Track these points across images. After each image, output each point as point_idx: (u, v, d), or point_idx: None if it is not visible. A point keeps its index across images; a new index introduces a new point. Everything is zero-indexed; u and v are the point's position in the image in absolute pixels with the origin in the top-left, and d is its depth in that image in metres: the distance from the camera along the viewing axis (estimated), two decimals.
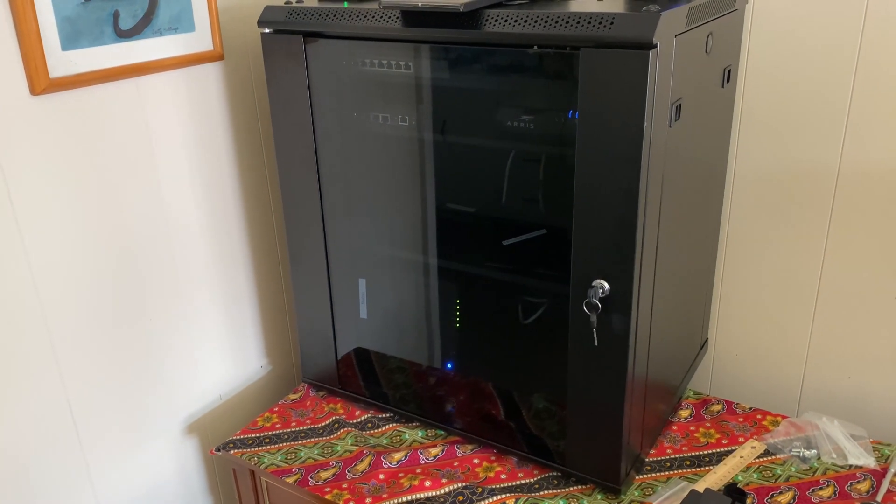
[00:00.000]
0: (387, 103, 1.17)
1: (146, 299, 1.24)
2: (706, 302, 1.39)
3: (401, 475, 1.18)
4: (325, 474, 1.19)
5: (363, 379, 1.35)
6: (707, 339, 1.43)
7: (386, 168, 1.22)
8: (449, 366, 1.29)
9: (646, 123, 0.90)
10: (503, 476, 1.17)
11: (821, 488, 1.12)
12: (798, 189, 1.26)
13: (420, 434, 1.28)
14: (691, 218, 1.19)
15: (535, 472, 1.18)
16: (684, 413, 1.31)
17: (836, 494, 1.11)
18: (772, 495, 1.11)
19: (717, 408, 1.32)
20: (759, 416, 1.29)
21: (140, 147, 1.18)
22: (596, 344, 1.03)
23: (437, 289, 1.26)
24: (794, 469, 1.17)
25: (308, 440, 1.27)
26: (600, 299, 1.00)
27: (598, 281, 1.00)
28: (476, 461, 1.21)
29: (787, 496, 1.11)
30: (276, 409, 1.36)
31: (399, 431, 1.29)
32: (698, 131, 1.12)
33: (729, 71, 1.20)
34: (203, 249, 1.33)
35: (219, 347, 1.40)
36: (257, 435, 1.29)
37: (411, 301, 1.28)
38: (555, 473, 1.17)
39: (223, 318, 1.40)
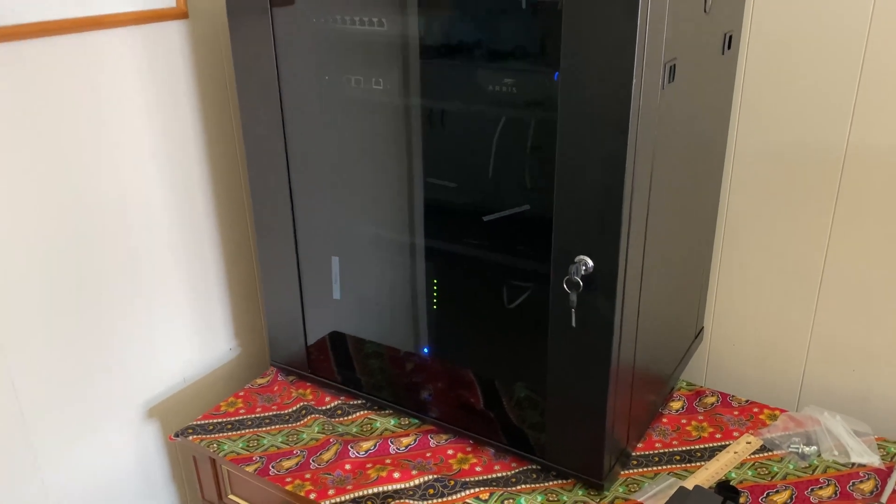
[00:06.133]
0: (360, 65, 1.08)
1: (101, 276, 1.16)
2: (702, 288, 1.30)
3: (368, 466, 1.10)
4: (287, 463, 1.11)
5: (335, 363, 1.27)
6: (703, 327, 1.35)
7: (360, 137, 1.14)
8: (426, 350, 1.21)
9: (634, 81, 0.82)
10: (478, 468, 1.09)
11: (820, 487, 1.04)
12: (802, 170, 1.17)
13: (392, 422, 1.20)
14: (686, 195, 1.10)
15: (513, 464, 1.10)
16: (676, 405, 1.23)
17: (836, 494, 1.03)
18: (767, 494, 1.03)
19: (711, 400, 1.23)
20: (755, 410, 1.21)
21: (90, 112, 1.10)
22: (574, 325, 0.94)
23: (415, 269, 1.18)
24: (791, 466, 1.08)
25: (272, 427, 1.19)
26: (583, 277, 0.91)
27: (581, 257, 0.92)
28: (450, 452, 1.13)
29: (784, 495, 1.03)
30: (241, 393, 1.28)
31: (370, 419, 1.21)
32: (695, 100, 1.04)
33: (730, 37, 1.11)
34: (165, 223, 1.24)
35: (183, 328, 1.32)
36: (219, 420, 1.21)
37: (388, 281, 1.20)
38: (534, 467, 1.09)
39: (187, 296, 1.32)
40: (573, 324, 0.94)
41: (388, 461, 1.11)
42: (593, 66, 0.83)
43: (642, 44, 0.81)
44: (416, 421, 1.20)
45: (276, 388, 1.29)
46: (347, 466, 1.10)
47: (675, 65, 0.91)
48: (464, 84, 1.02)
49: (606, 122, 0.84)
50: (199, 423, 1.21)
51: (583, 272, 0.91)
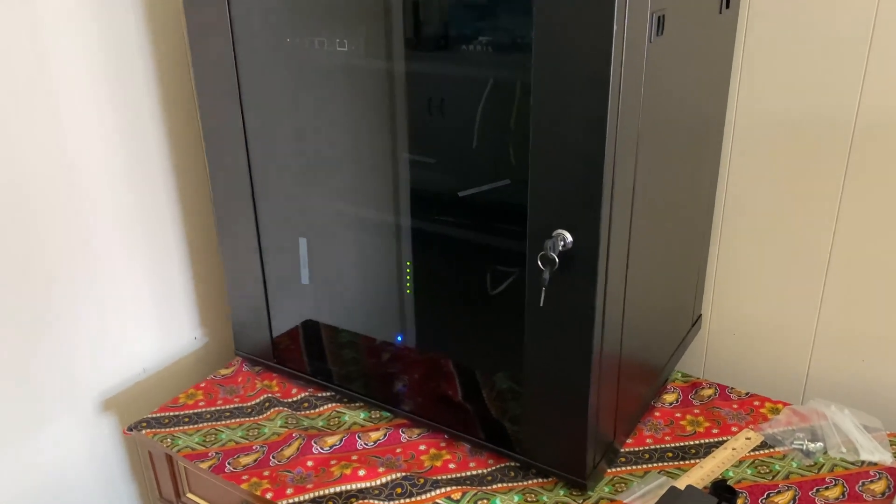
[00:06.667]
0: (323, 24, 0.99)
1: (46, 258, 1.07)
2: (699, 271, 1.21)
3: (332, 462, 1.01)
4: (245, 460, 1.02)
5: (302, 353, 1.18)
6: (700, 314, 1.25)
7: (327, 106, 1.05)
8: (399, 339, 1.12)
9: (616, 29, 0.72)
10: (452, 465, 1.00)
11: (827, 488, 0.94)
12: (808, 140, 1.08)
13: (362, 416, 1.11)
14: (681, 166, 1.00)
15: (490, 461, 1.01)
16: (670, 397, 1.13)
17: (844, 495, 0.93)
18: (768, 495, 0.93)
19: (708, 392, 1.14)
20: (756, 403, 1.11)
21: (31, 73, 1.01)
22: (542, 304, 0.85)
23: (388, 251, 1.09)
24: (795, 465, 0.99)
25: (232, 420, 1.11)
26: (560, 253, 0.82)
27: (559, 231, 0.82)
28: (422, 448, 1.04)
29: (787, 496, 0.93)
30: (202, 384, 1.19)
31: (338, 413, 1.12)
32: (690, 61, 0.94)
33: None
34: (118, 199, 1.15)
35: (141, 314, 1.23)
36: (176, 413, 1.13)
37: (359, 265, 1.11)
38: (512, 464, 1.00)
39: (147, 280, 1.23)
40: (541, 303, 0.84)
41: (354, 458, 1.02)
42: (570, 11, 0.74)
43: None
44: (388, 414, 1.11)
45: (239, 380, 1.20)
46: (309, 463, 1.01)
47: (663, 16, 0.81)
48: (437, 46, 0.93)
49: (585, 75, 0.75)
50: (153, 416, 1.12)
51: (560, 248, 0.82)
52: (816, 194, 1.09)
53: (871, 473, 0.97)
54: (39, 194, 1.05)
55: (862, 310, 1.11)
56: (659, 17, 0.80)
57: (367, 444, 1.04)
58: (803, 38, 1.04)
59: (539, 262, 0.82)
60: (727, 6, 1.02)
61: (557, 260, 0.81)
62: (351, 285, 1.13)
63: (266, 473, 0.99)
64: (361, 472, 0.98)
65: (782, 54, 1.06)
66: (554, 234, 0.82)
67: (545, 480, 0.97)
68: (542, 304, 0.84)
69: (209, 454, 1.04)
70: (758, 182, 1.13)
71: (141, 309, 1.23)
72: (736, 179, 1.15)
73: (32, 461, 1.12)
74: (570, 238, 0.82)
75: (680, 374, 1.19)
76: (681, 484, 0.95)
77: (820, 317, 1.15)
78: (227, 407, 1.14)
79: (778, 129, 1.09)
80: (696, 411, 1.10)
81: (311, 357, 1.18)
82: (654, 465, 1.00)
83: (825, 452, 1.00)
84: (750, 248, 1.17)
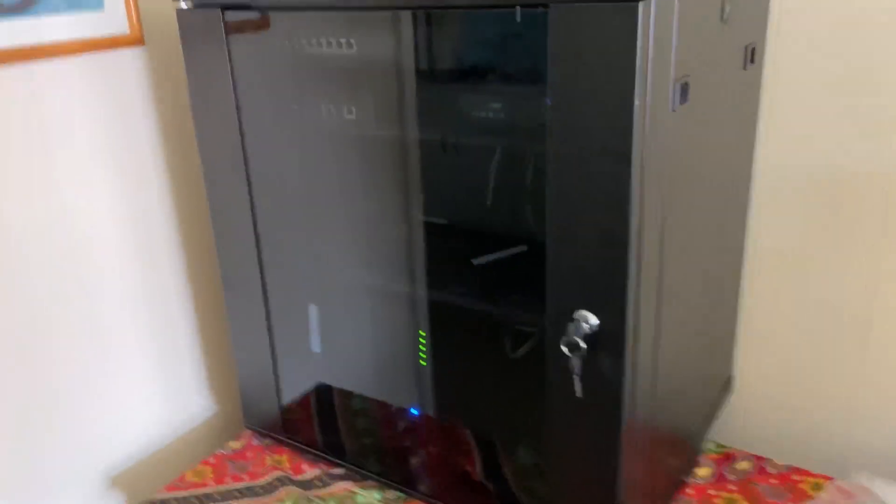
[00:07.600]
0: (330, 92, 0.96)
1: (49, 328, 1.04)
2: (730, 332, 1.14)
3: None
4: None
5: (312, 426, 1.13)
6: (732, 377, 1.18)
7: (335, 172, 1.01)
8: (414, 412, 1.07)
9: (637, 103, 0.68)
10: None
11: None
12: (843, 195, 1.02)
13: (376, 496, 1.05)
14: (708, 230, 0.95)
15: None
16: (703, 471, 1.06)
17: None
18: None
19: (744, 465, 1.07)
20: (796, 478, 1.04)
21: (34, 148, 0.98)
22: (579, 395, 0.79)
23: (400, 319, 1.05)
24: None
25: (242, 501, 1.05)
26: (585, 337, 0.76)
27: (582, 312, 0.77)
28: None
29: None
30: (211, 460, 1.14)
31: (351, 493, 1.06)
32: (715, 123, 0.89)
33: (753, 50, 0.97)
34: (123, 269, 1.12)
35: (148, 384, 1.19)
36: (184, 493, 1.08)
37: (370, 333, 1.07)
38: None
39: (152, 349, 1.19)
40: (578, 394, 0.79)
41: None
42: (588, 85, 0.69)
43: (645, 59, 0.67)
44: (403, 495, 1.05)
45: (248, 455, 1.15)
46: None
47: (687, 83, 0.77)
48: (448, 111, 0.90)
49: (605, 152, 0.70)
50: (160, 497, 1.07)
51: (585, 331, 0.76)
52: (855, 247, 1.03)
53: None
54: (45, 268, 1.02)
55: None
56: (682, 86, 0.75)
57: None
58: (834, 87, 0.99)
59: (565, 349, 0.77)
60: (752, 61, 0.98)
61: (585, 345, 0.75)
62: (363, 354, 1.09)
63: None
64: None
65: (812, 104, 1.01)
66: (575, 315, 0.77)
67: None
68: (579, 395, 0.78)
69: None
70: (790, 237, 1.08)
71: (148, 378, 1.19)
72: (766, 235, 1.09)
73: None
74: (595, 321, 0.76)
75: (714, 445, 1.12)
76: None
77: (864, 380, 1.08)
78: (237, 486, 1.09)
79: (809, 181, 1.04)
80: (733, 487, 1.03)
81: (322, 431, 1.12)
82: None
83: None
84: (784, 307, 1.11)
